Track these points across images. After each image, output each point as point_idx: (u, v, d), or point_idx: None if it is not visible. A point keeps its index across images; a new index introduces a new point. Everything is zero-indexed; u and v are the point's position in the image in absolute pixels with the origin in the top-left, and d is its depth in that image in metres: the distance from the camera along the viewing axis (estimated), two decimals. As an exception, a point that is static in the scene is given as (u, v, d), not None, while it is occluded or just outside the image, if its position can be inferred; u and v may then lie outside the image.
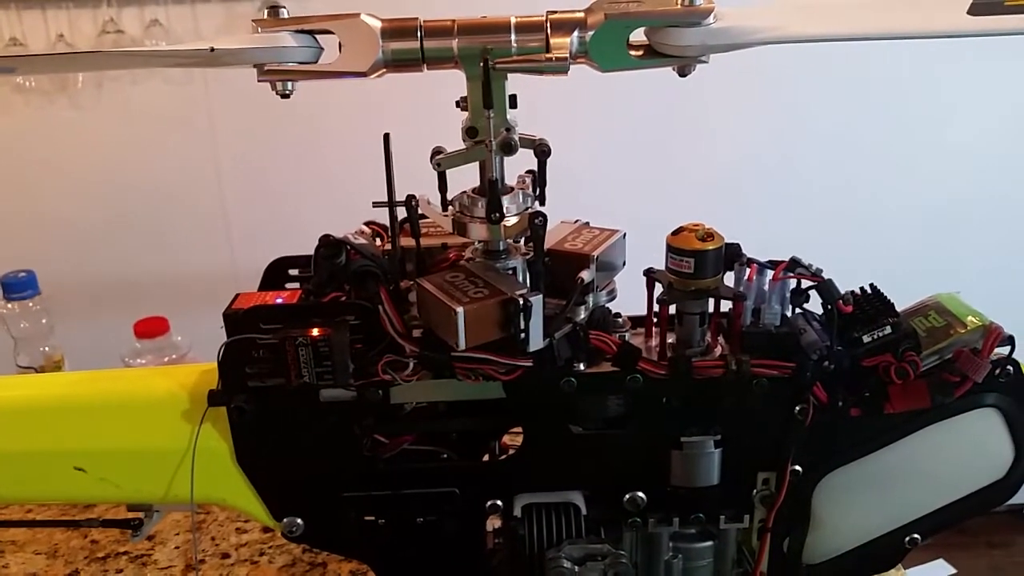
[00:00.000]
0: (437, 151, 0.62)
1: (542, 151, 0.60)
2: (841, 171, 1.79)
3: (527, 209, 0.62)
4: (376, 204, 0.64)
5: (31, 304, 1.25)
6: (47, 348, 1.28)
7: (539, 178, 0.62)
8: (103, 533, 1.00)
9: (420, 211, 0.65)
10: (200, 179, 1.69)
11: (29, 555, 0.99)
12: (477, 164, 0.62)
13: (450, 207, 0.64)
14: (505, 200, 0.61)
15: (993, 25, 0.54)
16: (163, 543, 1.00)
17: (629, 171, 1.73)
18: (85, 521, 0.75)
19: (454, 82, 0.60)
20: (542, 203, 0.63)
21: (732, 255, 0.65)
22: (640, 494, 0.68)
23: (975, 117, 1.77)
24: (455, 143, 0.62)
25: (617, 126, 1.70)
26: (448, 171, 0.62)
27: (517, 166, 0.63)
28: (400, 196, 0.64)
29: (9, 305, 1.24)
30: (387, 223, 0.66)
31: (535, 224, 0.61)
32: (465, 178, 0.64)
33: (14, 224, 1.68)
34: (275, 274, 0.72)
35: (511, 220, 0.61)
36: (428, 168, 0.63)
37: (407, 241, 0.67)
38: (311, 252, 0.66)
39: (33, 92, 1.63)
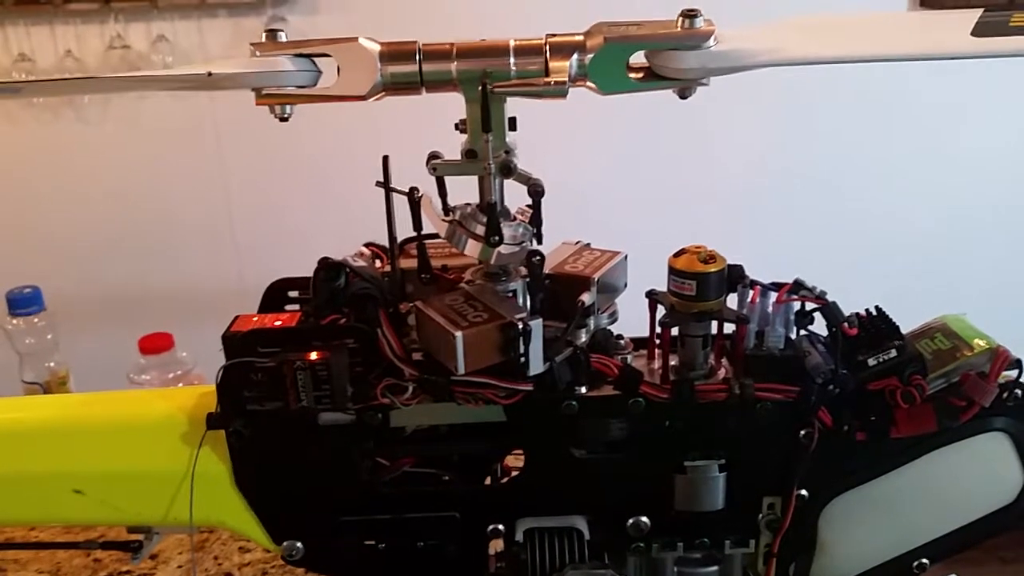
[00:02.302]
0: (434, 155, 0.61)
1: (536, 191, 0.60)
2: (846, 189, 1.78)
3: (523, 243, 0.62)
4: (379, 184, 0.63)
5: (36, 320, 1.25)
6: (52, 364, 1.28)
7: (534, 218, 0.62)
8: (106, 552, 0.99)
9: (421, 211, 0.64)
10: (207, 194, 1.69)
11: (32, 574, 0.98)
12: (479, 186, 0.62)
13: (451, 214, 0.63)
14: (504, 227, 0.61)
15: (998, 47, 0.54)
16: (166, 562, 0.99)
17: (630, 190, 1.72)
18: (85, 543, 0.75)
19: (459, 101, 0.60)
20: (539, 242, 0.63)
21: (735, 277, 0.64)
22: (644, 519, 0.67)
23: (982, 132, 1.75)
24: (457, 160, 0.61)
25: (619, 144, 1.70)
26: (453, 183, 0.62)
27: (522, 192, 0.63)
28: (400, 218, 0.63)
29: (14, 321, 1.24)
30: (387, 244, 0.65)
31: (533, 263, 0.61)
32: (470, 192, 0.64)
33: (20, 239, 1.69)
34: (274, 296, 0.72)
35: (506, 249, 0.61)
36: (432, 188, 0.62)
37: (407, 263, 0.67)
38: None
39: (41, 107, 1.64)
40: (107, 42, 1.57)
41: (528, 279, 0.64)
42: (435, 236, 0.65)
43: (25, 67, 1.59)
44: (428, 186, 0.63)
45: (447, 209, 0.63)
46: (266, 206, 1.71)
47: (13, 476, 0.68)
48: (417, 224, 0.64)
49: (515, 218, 0.63)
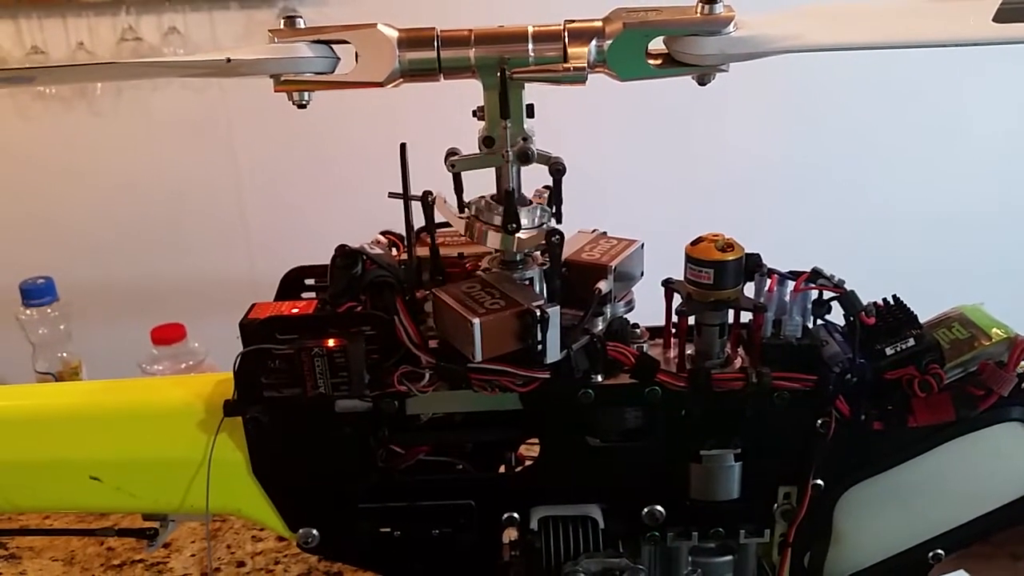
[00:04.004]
0: (452, 152, 0.61)
1: (557, 170, 0.60)
2: (865, 179, 1.76)
3: (542, 225, 0.62)
4: (392, 195, 0.63)
5: (49, 310, 1.25)
6: (65, 354, 1.29)
7: (554, 196, 0.62)
8: (119, 540, 1.00)
9: (436, 212, 0.64)
10: (218, 185, 1.69)
11: (46, 561, 0.99)
12: (494, 173, 0.62)
13: (466, 210, 0.64)
14: (521, 212, 0.61)
15: (1020, 33, 0.53)
16: (179, 551, 1.00)
17: (647, 178, 1.72)
18: (100, 530, 0.75)
19: (475, 88, 0.60)
20: (558, 221, 0.63)
21: (752, 265, 0.64)
22: (659, 508, 0.67)
23: (997, 121, 1.74)
24: (473, 150, 0.61)
25: (636, 132, 1.69)
26: (465, 175, 0.62)
27: (536, 177, 0.63)
28: (415, 205, 0.63)
29: (28, 311, 1.25)
30: (403, 232, 0.65)
31: (552, 242, 0.60)
32: (484, 188, 0.64)
33: (33, 230, 1.69)
34: (291, 284, 0.72)
35: (525, 233, 0.61)
36: (446, 176, 0.62)
37: (423, 251, 0.67)
38: (329, 260, 0.66)
39: (53, 99, 1.64)
40: (119, 34, 1.57)
41: (545, 267, 0.64)
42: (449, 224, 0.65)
43: (38, 59, 1.59)
44: (439, 174, 0.62)
45: (462, 206, 0.63)
46: (278, 197, 1.71)
47: (31, 463, 0.68)
48: (431, 227, 0.64)
49: (531, 202, 0.63)
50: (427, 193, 0.63)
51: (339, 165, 1.68)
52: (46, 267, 1.31)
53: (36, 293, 1.24)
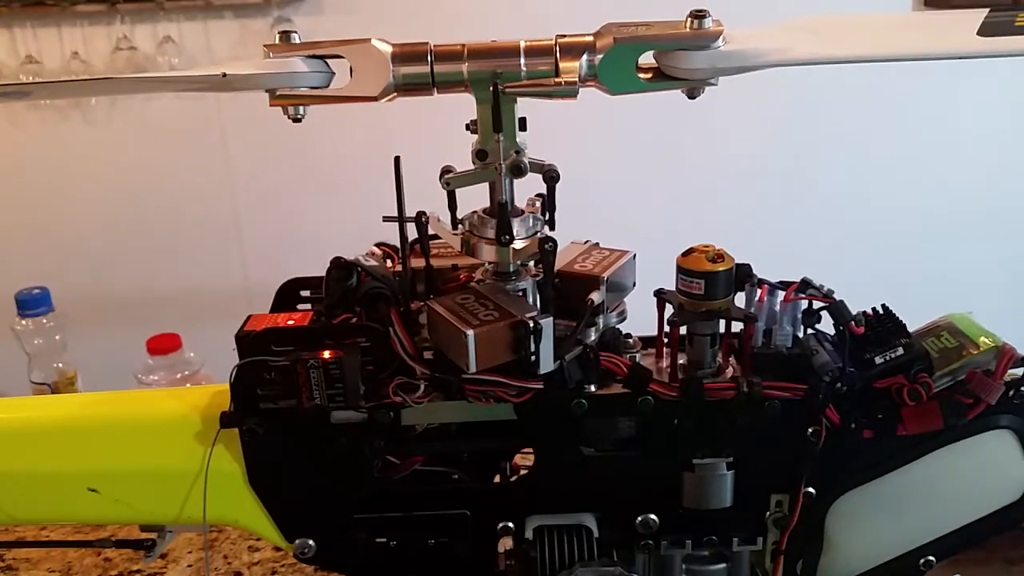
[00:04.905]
0: (446, 170, 0.62)
1: (551, 177, 0.60)
2: (854, 186, 1.78)
3: (536, 233, 0.62)
4: (386, 219, 0.64)
5: (45, 321, 1.25)
6: (61, 364, 1.29)
7: (548, 203, 0.62)
8: (116, 551, 1.00)
9: (430, 229, 0.65)
10: (213, 196, 1.70)
11: (43, 573, 0.99)
12: (487, 185, 0.63)
13: (460, 226, 0.64)
14: (515, 223, 0.61)
15: (1003, 46, 0.54)
16: (175, 561, 1.00)
17: (639, 189, 1.73)
18: (98, 541, 0.76)
19: (468, 102, 0.61)
20: (552, 228, 0.63)
21: (743, 276, 0.65)
22: (652, 516, 0.68)
23: (988, 130, 1.75)
24: (467, 163, 0.62)
25: (627, 144, 1.70)
26: (459, 190, 0.63)
27: (529, 186, 0.63)
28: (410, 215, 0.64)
29: (23, 322, 1.25)
30: (398, 243, 0.66)
31: (545, 249, 0.61)
32: (476, 198, 0.64)
33: (28, 240, 1.70)
34: (287, 296, 0.72)
35: (520, 243, 0.62)
36: (439, 187, 0.63)
37: (418, 262, 0.68)
38: (324, 269, 0.67)
39: (47, 108, 1.65)
40: (113, 44, 1.58)
41: (538, 278, 0.64)
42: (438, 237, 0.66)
43: (32, 69, 1.60)
44: (433, 184, 0.63)
45: (456, 222, 0.64)
46: (272, 207, 1.72)
47: (29, 474, 0.69)
48: (425, 245, 0.65)
49: (523, 212, 0.64)
50: (420, 214, 0.64)
51: (333, 175, 1.69)
52: (41, 277, 1.31)
53: (31, 303, 1.24)
